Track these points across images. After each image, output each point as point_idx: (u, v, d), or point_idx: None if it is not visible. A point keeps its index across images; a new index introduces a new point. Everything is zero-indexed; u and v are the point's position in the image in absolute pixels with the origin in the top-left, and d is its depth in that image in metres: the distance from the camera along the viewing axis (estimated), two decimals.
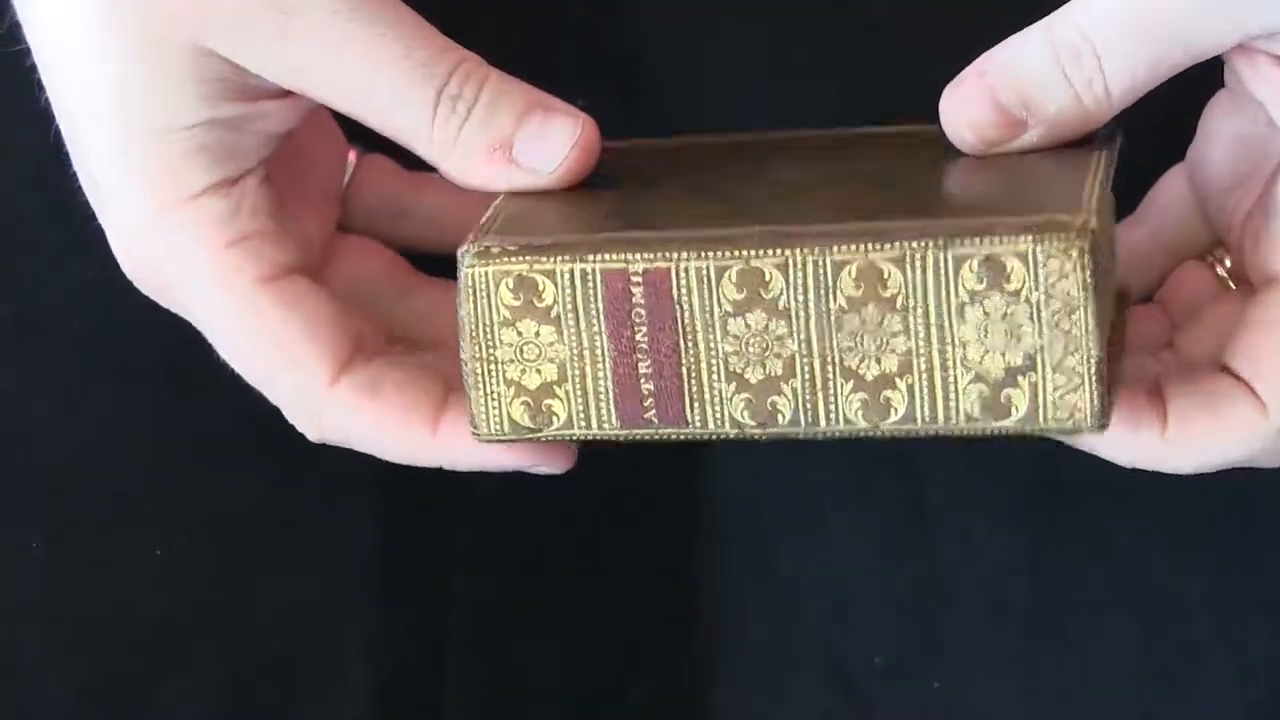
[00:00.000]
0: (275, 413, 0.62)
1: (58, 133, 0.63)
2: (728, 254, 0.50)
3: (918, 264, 0.49)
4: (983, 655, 0.61)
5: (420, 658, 0.61)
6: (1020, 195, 0.50)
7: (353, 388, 0.54)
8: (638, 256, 0.50)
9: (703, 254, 0.50)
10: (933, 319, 0.49)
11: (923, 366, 0.50)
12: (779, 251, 0.49)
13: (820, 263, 0.49)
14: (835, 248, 0.49)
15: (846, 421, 0.50)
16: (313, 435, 0.55)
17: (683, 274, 0.50)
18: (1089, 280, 0.48)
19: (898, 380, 0.50)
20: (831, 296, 0.50)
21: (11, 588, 0.61)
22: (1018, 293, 0.49)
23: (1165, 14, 0.52)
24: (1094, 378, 0.49)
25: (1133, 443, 0.55)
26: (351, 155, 0.58)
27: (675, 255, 0.50)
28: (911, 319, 0.49)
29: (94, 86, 0.53)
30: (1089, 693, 0.61)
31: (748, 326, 0.50)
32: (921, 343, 0.50)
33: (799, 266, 0.49)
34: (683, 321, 0.50)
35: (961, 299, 0.49)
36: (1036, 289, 0.48)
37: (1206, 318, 0.56)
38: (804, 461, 0.61)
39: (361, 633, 0.61)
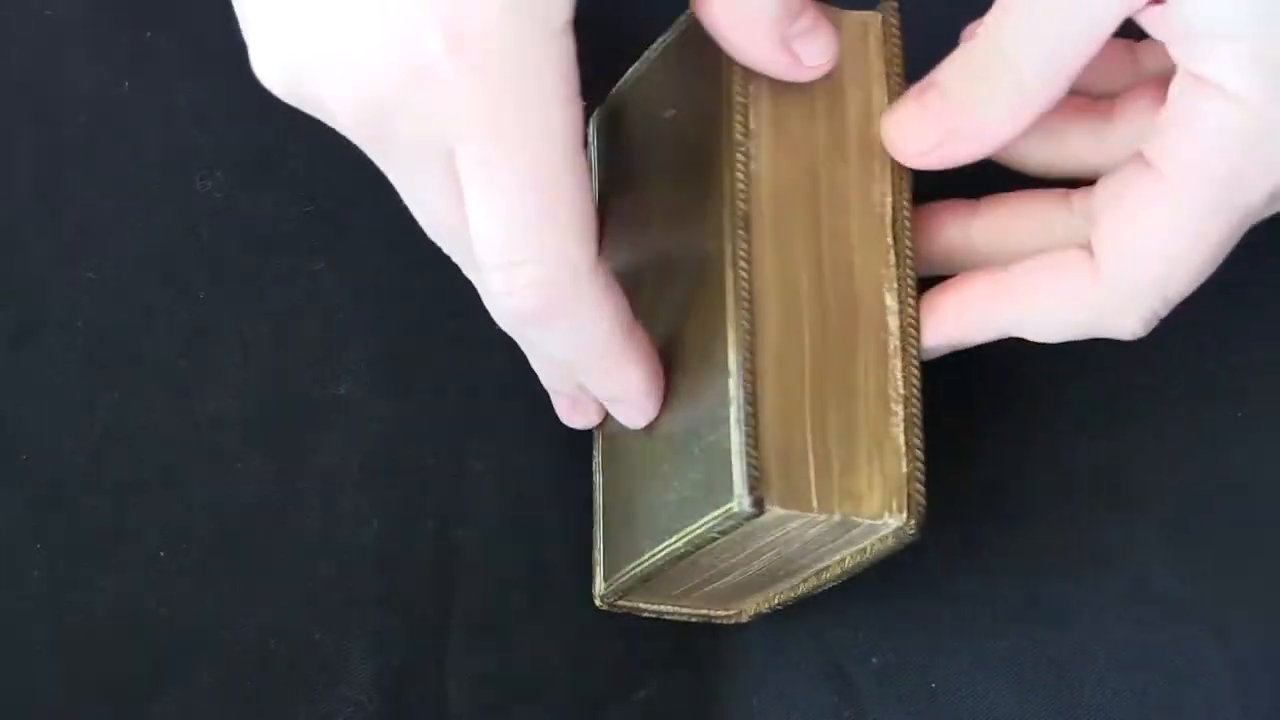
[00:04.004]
0: (275, 412, 0.62)
1: (57, 132, 0.63)
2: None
3: None
4: (981, 655, 0.61)
5: (422, 658, 0.61)
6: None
7: (601, 274, 0.55)
8: None
9: None
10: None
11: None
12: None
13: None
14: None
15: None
16: (538, 307, 0.54)
17: None
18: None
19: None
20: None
21: (11, 588, 0.61)
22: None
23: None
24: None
25: (978, 306, 0.58)
26: None
27: None
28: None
29: None
30: (1087, 693, 0.61)
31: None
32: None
33: None
34: None
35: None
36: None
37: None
38: None
39: (363, 632, 0.61)
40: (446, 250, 0.56)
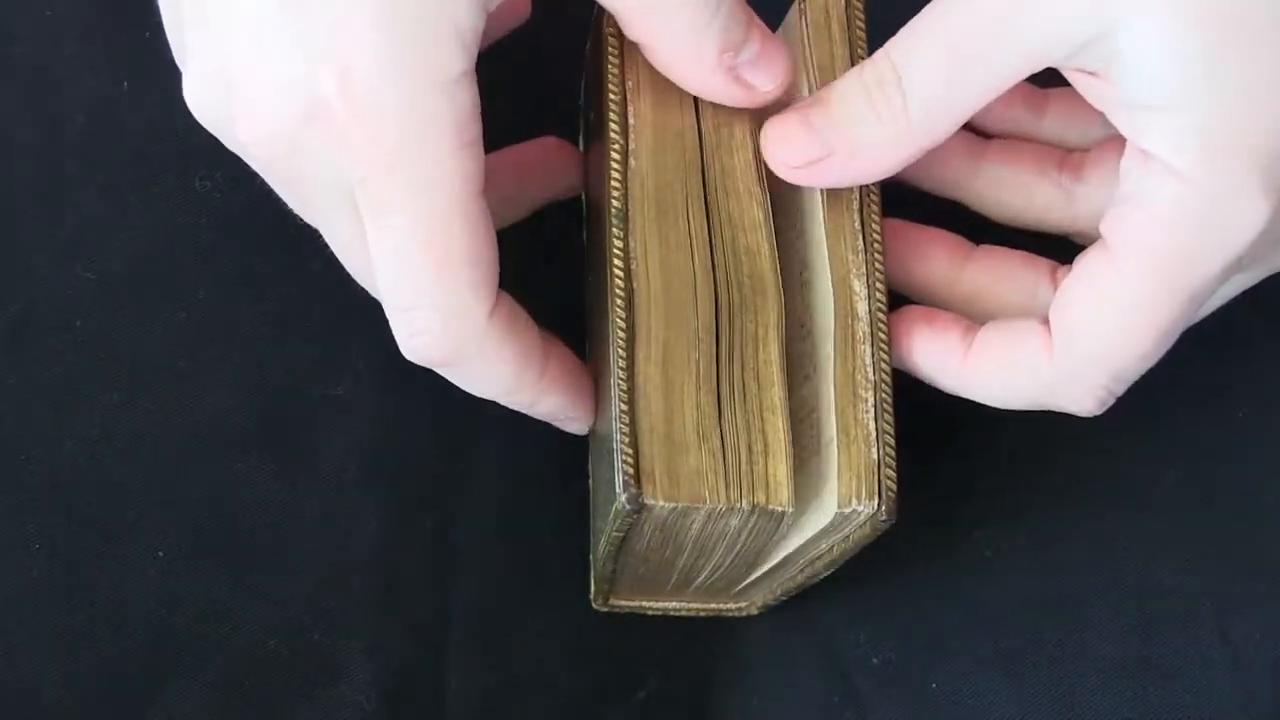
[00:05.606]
0: (275, 412, 0.62)
1: (58, 132, 0.63)
2: None
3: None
4: (981, 655, 0.61)
5: (422, 658, 0.61)
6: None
7: (500, 320, 0.54)
8: None
9: None
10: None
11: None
12: None
13: None
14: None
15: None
16: (435, 355, 0.54)
17: None
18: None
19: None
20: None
21: (11, 588, 0.61)
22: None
23: (957, 37, 0.53)
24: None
25: (939, 359, 0.57)
26: None
27: None
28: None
29: None
30: (1087, 693, 0.61)
31: None
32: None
33: None
34: None
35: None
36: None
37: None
38: None
39: (363, 633, 0.61)
40: (369, 290, 0.56)
